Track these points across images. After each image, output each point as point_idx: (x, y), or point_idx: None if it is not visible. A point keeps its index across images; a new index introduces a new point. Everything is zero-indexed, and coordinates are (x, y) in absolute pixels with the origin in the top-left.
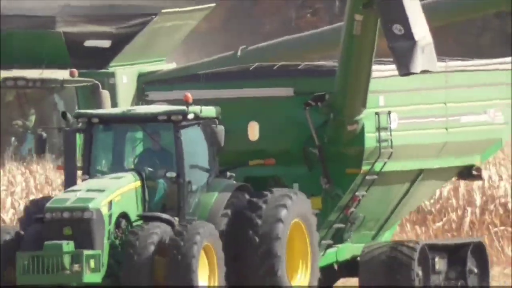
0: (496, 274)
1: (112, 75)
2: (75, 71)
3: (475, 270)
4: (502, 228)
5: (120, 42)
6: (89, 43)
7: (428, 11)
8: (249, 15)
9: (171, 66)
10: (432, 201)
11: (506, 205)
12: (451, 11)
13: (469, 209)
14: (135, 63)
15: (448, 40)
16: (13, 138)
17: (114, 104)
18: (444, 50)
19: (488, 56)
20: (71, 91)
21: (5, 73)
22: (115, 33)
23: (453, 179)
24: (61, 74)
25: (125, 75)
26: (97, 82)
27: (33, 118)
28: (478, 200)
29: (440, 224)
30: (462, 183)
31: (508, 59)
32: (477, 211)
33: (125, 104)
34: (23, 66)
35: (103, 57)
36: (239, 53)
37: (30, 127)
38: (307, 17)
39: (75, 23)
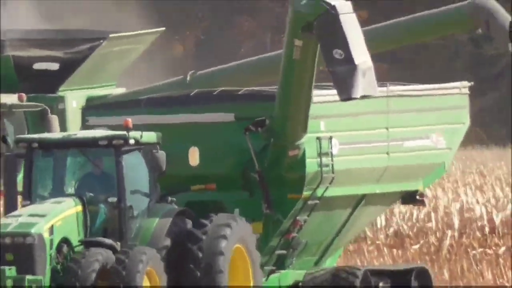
0: None
1: (62, 99)
2: (24, 95)
3: None
4: (480, 250)
5: (69, 67)
6: (37, 65)
7: (379, 35)
8: (224, 39)
9: (121, 90)
10: (409, 223)
11: (483, 228)
12: (400, 37)
13: (448, 232)
14: (85, 88)
15: (421, 65)
16: None
17: (63, 128)
18: (415, 74)
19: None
20: (20, 115)
21: None
22: (63, 57)
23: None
24: (10, 99)
25: (74, 99)
26: (46, 107)
27: (14, 144)
28: (456, 223)
29: (417, 246)
30: (440, 205)
31: (452, 84)
32: (456, 234)
33: (75, 129)
34: None
35: (52, 82)
36: (188, 78)
37: None
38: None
39: (24, 47)
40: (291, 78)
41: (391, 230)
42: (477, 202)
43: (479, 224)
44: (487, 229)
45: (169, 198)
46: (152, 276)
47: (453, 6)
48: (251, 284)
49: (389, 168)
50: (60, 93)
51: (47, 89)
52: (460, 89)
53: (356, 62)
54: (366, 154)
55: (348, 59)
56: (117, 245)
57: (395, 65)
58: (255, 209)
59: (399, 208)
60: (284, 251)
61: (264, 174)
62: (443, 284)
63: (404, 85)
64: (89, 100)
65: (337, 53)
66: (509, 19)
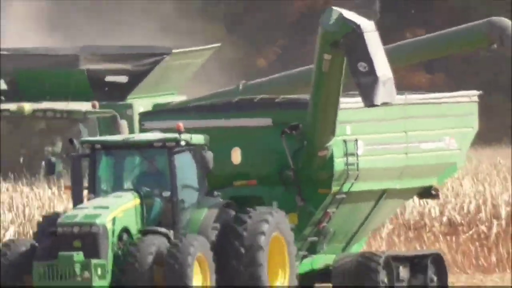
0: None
1: (130, 106)
2: (96, 103)
3: (435, 279)
4: None
5: (136, 78)
6: (109, 78)
7: (408, 50)
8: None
9: (181, 98)
10: (462, 213)
11: None
12: (422, 53)
13: (495, 221)
14: (150, 96)
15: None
16: (43, 162)
17: (131, 132)
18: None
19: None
20: (93, 121)
21: (35, 105)
22: (131, 70)
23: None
24: (84, 106)
25: (141, 106)
26: (115, 113)
27: (60, 145)
28: (503, 213)
29: (469, 234)
30: (489, 197)
31: (463, 92)
32: (503, 223)
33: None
34: (52, 99)
35: (122, 91)
36: (240, 87)
37: (57, 153)
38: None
39: (96, 61)
40: (321, 88)
41: (445, 219)
42: None
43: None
44: None
45: (215, 193)
46: (202, 261)
47: (471, 24)
48: (287, 267)
49: (407, 167)
50: (128, 101)
51: (117, 98)
52: (470, 97)
53: (378, 74)
54: (387, 154)
55: (371, 72)
56: (171, 234)
57: (448, 75)
58: (290, 203)
59: (451, 200)
60: (315, 238)
61: (297, 172)
62: (491, 267)
63: (420, 93)
64: (154, 106)
65: (362, 66)
66: None
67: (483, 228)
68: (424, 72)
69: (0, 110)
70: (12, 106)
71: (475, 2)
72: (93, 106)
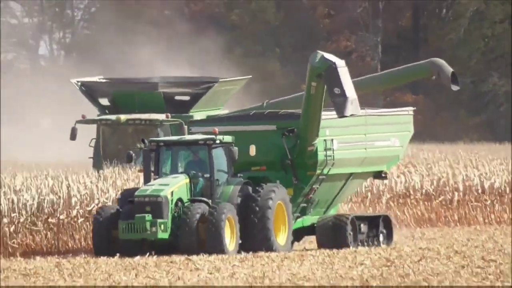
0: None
1: (191, 117)
2: (169, 115)
3: (384, 231)
4: (475, 203)
5: (195, 98)
6: (177, 98)
7: (375, 81)
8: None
9: (225, 111)
10: (433, 187)
11: (478, 191)
12: (383, 82)
13: (456, 193)
14: (204, 110)
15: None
16: (134, 155)
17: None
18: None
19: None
20: (167, 127)
21: (128, 116)
22: (192, 92)
23: (370, 178)
24: (161, 117)
25: (199, 117)
26: (181, 121)
27: (143, 144)
28: (461, 187)
29: (438, 200)
30: (450, 179)
31: (403, 108)
32: (461, 193)
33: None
34: (139, 112)
35: (186, 107)
36: (264, 104)
37: (137, 148)
38: None
39: (169, 87)
40: (309, 104)
41: (423, 191)
42: (474, 175)
43: (475, 188)
44: (480, 191)
45: (239, 175)
46: (230, 220)
47: (419, 63)
48: (287, 224)
49: (366, 158)
50: (190, 113)
51: (183, 111)
52: (408, 111)
53: (347, 95)
54: (353, 149)
55: (343, 94)
56: (209, 202)
57: (426, 95)
58: (288, 181)
59: (427, 178)
60: (305, 205)
61: (293, 161)
62: (454, 223)
63: (375, 109)
64: (208, 117)
65: (336, 90)
66: (450, 70)
67: (448, 196)
68: (411, 93)
69: (105, 119)
70: (112, 117)
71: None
72: (167, 117)
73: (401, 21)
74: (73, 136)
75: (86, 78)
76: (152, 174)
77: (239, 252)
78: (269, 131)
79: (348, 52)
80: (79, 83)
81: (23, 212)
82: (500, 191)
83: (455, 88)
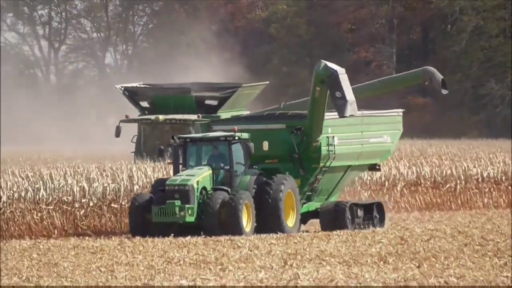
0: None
1: (219, 117)
2: (200, 115)
3: (377, 216)
4: (476, 191)
5: (222, 101)
6: (207, 101)
7: (370, 87)
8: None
9: (247, 112)
10: (440, 178)
11: (478, 179)
12: (383, 87)
13: (458, 181)
14: (230, 111)
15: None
16: (169, 149)
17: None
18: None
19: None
20: (198, 125)
21: (165, 116)
22: (219, 96)
23: (366, 170)
24: (193, 117)
25: (225, 117)
26: (210, 121)
27: (178, 140)
28: (463, 176)
29: (445, 188)
30: (453, 169)
31: (394, 110)
32: (463, 182)
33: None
34: (174, 112)
35: (214, 108)
36: (281, 106)
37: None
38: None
39: (200, 91)
40: (314, 106)
41: (432, 180)
42: (474, 166)
43: (476, 177)
44: (479, 180)
45: (254, 167)
46: (247, 206)
47: (412, 71)
48: (295, 209)
49: (362, 152)
50: (218, 114)
51: (211, 112)
52: (397, 113)
53: (347, 98)
54: (351, 145)
55: (343, 97)
56: (229, 190)
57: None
58: (296, 173)
59: (435, 168)
60: (310, 193)
61: (300, 155)
62: (458, 207)
63: (371, 110)
64: (232, 116)
65: (338, 94)
66: (440, 77)
67: (452, 185)
68: (420, 96)
69: (145, 119)
70: (151, 117)
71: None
72: (198, 117)
73: (412, 35)
74: (117, 134)
75: (129, 84)
76: (180, 166)
77: (254, 233)
78: (279, 129)
79: (368, 62)
80: (123, 88)
81: (93, 198)
82: (496, 179)
83: (444, 92)
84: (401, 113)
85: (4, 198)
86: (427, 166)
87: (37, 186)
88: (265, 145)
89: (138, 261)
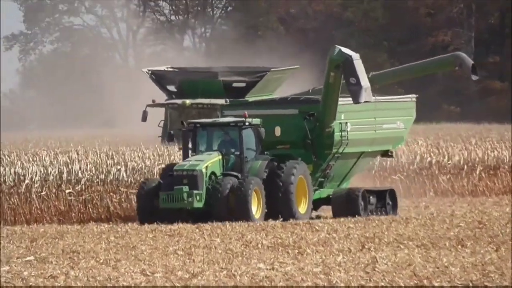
0: (403, 205)
1: (246, 101)
2: (227, 99)
3: (390, 203)
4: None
5: (250, 85)
6: (235, 85)
7: (402, 72)
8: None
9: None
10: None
11: (479, 162)
12: (415, 72)
13: (465, 166)
14: (258, 95)
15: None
16: (174, 135)
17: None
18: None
19: None
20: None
21: (192, 101)
22: (247, 81)
23: (379, 156)
24: (220, 101)
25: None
26: None
27: (182, 125)
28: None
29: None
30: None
31: (408, 96)
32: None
33: None
34: (202, 97)
35: (242, 93)
36: (310, 90)
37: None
38: None
39: (228, 76)
40: (328, 92)
41: (511, 164)
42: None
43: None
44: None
45: (266, 152)
46: (257, 192)
47: (444, 56)
48: (307, 196)
49: (375, 138)
50: (246, 98)
51: (239, 96)
52: (411, 98)
53: (362, 84)
54: (364, 131)
55: (358, 83)
56: (239, 176)
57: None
58: (308, 158)
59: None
60: (322, 179)
61: (313, 141)
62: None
63: (384, 96)
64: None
65: (352, 79)
66: (471, 63)
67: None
68: (498, 81)
69: (172, 103)
70: (178, 101)
71: None
72: (225, 101)
73: (490, 20)
74: (144, 118)
75: (156, 67)
76: (190, 151)
77: (265, 219)
78: (292, 114)
79: (446, 46)
80: (150, 72)
81: None
82: None
83: (474, 77)
84: (414, 99)
85: (83, 181)
86: (506, 150)
87: (118, 167)
88: (277, 131)
89: (216, 244)
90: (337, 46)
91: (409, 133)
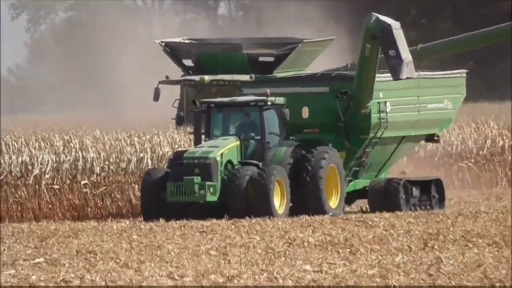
0: (450, 197)
1: (271, 77)
2: (253, 75)
3: (436, 196)
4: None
5: (279, 59)
6: (261, 59)
7: (445, 45)
8: None
9: (309, 72)
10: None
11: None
12: (462, 45)
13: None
14: (288, 71)
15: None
16: (184, 117)
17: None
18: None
19: None
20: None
21: (212, 77)
22: (276, 54)
23: (422, 141)
24: (245, 77)
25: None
26: None
27: (194, 105)
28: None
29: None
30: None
31: (457, 71)
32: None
33: None
34: (222, 72)
35: (269, 68)
36: (349, 65)
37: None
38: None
39: (253, 48)
40: (364, 67)
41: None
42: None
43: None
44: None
45: (291, 137)
46: (281, 183)
47: (500, 26)
48: (339, 188)
49: (419, 120)
50: (274, 74)
51: (266, 72)
52: (461, 74)
53: (403, 57)
54: (406, 112)
55: (398, 56)
56: (260, 164)
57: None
58: (341, 144)
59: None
60: (357, 168)
61: (346, 123)
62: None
63: (429, 71)
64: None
65: (391, 52)
66: None
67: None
68: None
69: (189, 80)
70: (196, 77)
71: None
72: (250, 78)
73: None
74: (156, 97)
75: (170, 39)
76: (203, 136)
77: (290, 215)
78: (322, 93)
79: None
80: (163, 44)
81: None
82: None
83: None
84: (464, 74)
85: (97, 170)
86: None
87: (141, 155)
88: (305, 112)
89: (255, 242)
90: (373, 13)
91: (478, 113)
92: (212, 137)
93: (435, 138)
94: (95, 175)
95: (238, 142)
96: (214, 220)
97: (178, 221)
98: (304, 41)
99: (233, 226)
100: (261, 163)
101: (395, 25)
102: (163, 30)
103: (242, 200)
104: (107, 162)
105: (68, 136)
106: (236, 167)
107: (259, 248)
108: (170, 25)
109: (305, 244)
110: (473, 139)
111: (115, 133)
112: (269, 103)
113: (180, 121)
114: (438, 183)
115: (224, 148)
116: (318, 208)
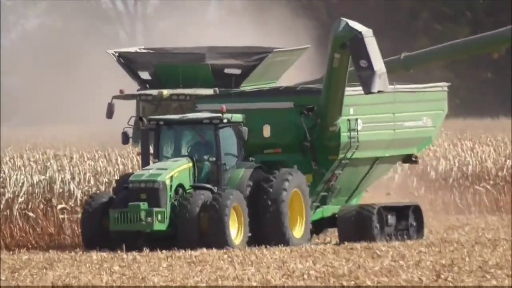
0: (466, 222)
1: (229, 91)
2: (217, 89)
3: (414, 224)
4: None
5: (247, 71)
6: (227, 71)
7: (440, 52)
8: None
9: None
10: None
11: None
12: (458, 52)
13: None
14: (257, 84)
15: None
16: (130, 135)
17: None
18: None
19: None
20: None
21: (171, 91)
22: (243, 65)
23: (398, 163)
24: (208, 92)
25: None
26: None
27: (140, 122)
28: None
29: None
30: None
31: (437, 84)
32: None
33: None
34: (184, 86)
35: (236, 80)
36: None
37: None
38: None
39: (218, 58)
40: (332, 79)
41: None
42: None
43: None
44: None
45: (250, 158)
46: (237, 209)
47: (499, 30)
48: (304, 215)
49: (394, 140)
50: (241, 88)
51: (234, 85)
52: (442, 87)
53: (375, 69)
54: (380, 130)
55: (370, 67)
56: (215, 189)
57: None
58: (307, 166)
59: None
60: (325, 193)
61: (312, 143)
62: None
63: (405, 84)
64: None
65: (363, 63)
66: None
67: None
68: None
69: (146, 94)
70: (153, 92)
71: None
72: (214, 92)
73: None
74: (109, 114)
75: (124, 48)
76: (152, 157)
77: (249, 245)
78: (285, 109)
79: None
80: (117, 54)
81: None
82: None
83: None
84: (446, 88)
85: (78, 194)
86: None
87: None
88: (266, 130)
89: (249, 274)
90: (343, 19)
91: (497, 129)
92: (162, 158)
93: (413, 159)
94: (72, 199)
95: (190, 164)
96: (204, 250)
97: (164, 251)
98: (275, 50)
99: (225, 256)
100: (216, 187)
101: (367, 32)
102: (145, 36)
103: (195, 228)
104: (87, 185)
105: (44, 154)
106: (188, 191)
107: (254, 281)
108: (154, 31)
109: (305, 276)
110: (492, 159)
111: (93, 152)
112: (225, 120)
113: (125, 139)
114: (416, 210)
115: (175, 170)
116: (280, 236)
